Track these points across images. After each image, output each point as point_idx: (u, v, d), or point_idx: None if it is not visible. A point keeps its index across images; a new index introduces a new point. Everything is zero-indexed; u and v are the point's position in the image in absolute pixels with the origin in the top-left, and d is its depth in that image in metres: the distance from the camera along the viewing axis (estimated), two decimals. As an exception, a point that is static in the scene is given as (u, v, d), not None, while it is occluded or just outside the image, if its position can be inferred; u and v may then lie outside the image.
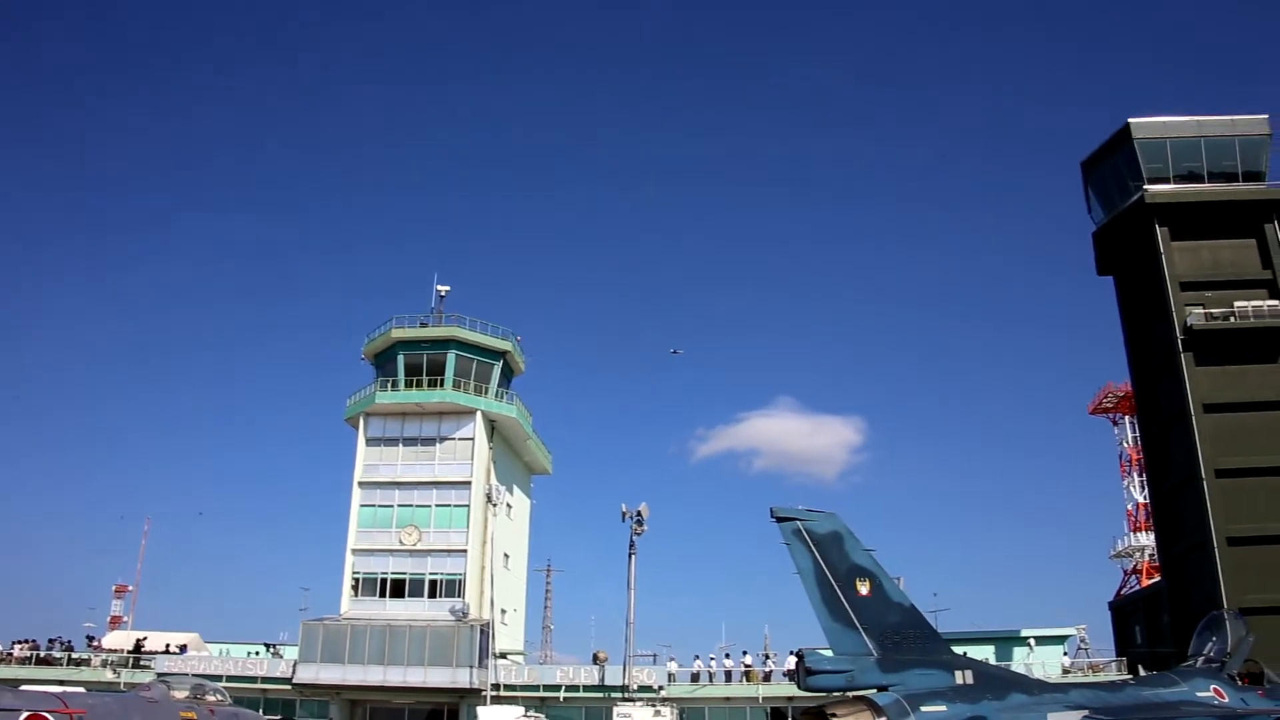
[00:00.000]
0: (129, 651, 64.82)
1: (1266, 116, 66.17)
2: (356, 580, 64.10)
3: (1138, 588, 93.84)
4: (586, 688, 58.15)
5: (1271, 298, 62.37)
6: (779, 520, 19.81)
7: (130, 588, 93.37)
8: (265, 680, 60.45)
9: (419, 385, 67.01)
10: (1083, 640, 67.55)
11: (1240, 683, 24.34)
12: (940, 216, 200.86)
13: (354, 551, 64.68)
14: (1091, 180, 69.97)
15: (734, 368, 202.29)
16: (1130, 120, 65.63)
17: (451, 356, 67.35)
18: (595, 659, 59.45)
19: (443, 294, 71.02)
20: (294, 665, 60.01)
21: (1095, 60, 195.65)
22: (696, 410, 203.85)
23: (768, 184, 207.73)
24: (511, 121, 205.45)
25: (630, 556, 56.98)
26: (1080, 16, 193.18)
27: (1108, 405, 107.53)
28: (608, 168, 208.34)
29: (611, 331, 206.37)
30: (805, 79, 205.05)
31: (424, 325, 69.44)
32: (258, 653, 67.46)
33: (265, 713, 58.37)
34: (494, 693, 56.59)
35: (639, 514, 56.54)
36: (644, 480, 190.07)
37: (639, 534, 56.71)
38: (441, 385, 66.87)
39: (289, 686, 59.66)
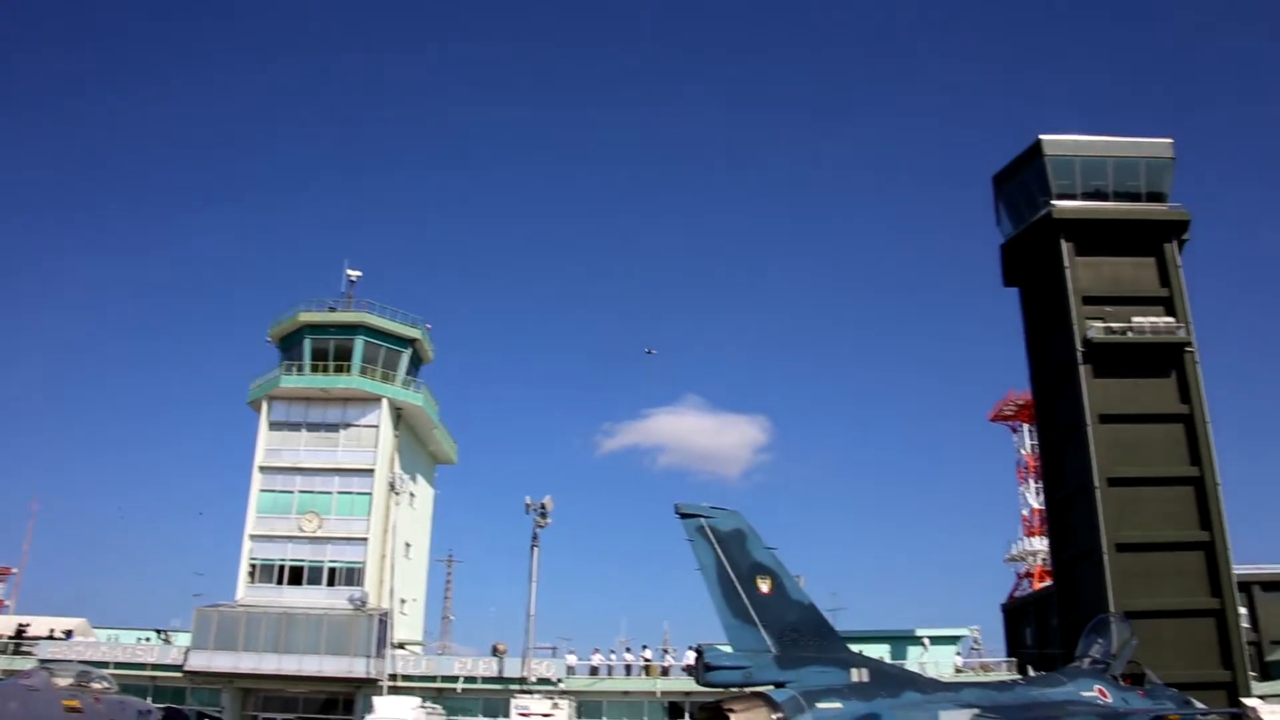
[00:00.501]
0: (10, 637, 62.82)
1: (1171, 140, 68.37)
2: (254, 566, 62.88)
3: (1029, 591, 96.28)
4: (485, 679, 57.90)
5: (1168, 315, 64.35)
6: (683, 517, 19.85)
7: (14, 570, 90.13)
8: (155, 667, 58.93)
9: (325, 370, 65.93)
10: (975, 641, 69.06)
11: (1123, 683, 25.02)
12: (850, 224, 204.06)
13: (252, 537, 63.42)
14: (1002, 194, 71.48)
15: (642, 364, 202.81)
16: (1041, 137, 67.14)
17: (359, 342, 66.43)
18: (494, 651, 59.21)
19: (353, 279, 70.07)
20: (186, 652, 58.41)
21: (1011, 77, 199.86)
22: (604, 405, 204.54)
23: (686, 185, 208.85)
24: (437, 104, 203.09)
25: (533, 549, 56.79)
26: (998, 34, 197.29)
27: (1008, 413, 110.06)
28: (529, 155, 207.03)
29: (522, 324, 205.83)
30: (712, 92, 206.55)
31: (333, 310, 68.36)
32: (148, 639, 65.70)
33: (154, 701, 57.04)
34: (391, 683, 56.00)
35: (543, 506, 56.38)
36: (549, 473, 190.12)
37: (542, 526, 56.55)
38: (348, 371, 65.91)
39: (180, 674, 58.18)
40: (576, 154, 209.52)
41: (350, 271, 70.07)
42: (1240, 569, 64.16)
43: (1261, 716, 45.39)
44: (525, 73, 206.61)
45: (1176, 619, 57.70)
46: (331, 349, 66.32)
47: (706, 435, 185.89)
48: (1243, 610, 66.59)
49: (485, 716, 55.27)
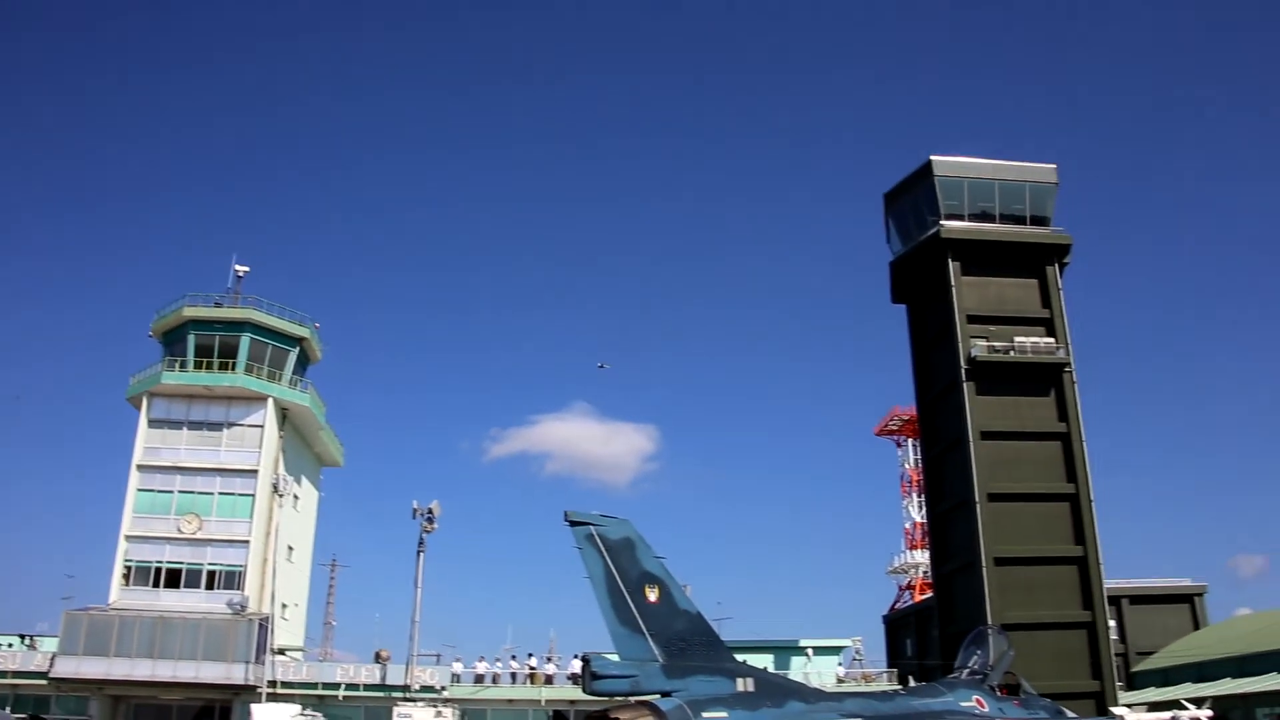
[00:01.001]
0: None
1: (1055, 166, 70.64)
2: (129, 569, 60.82)
3: (910, 603, 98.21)
4: (367, 686, 56.93)
5: (1048, 335, 66.40)
6: (573, 524, 19.78)
7: None
8: (17, 675, 56.60)
9: (209, 367, 64.21)
10: (857, 651, 70.05)
11: (999, 694, 25.61)
12: (741, 238, 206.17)
13: (128, 538, 61.35)
14: (892, 211, 72.93)
15: (531, 369, 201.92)
16: (932, 157, 68.71)
17: (245, 340, 64.88)
18: (377, 657, 58.24)
19: (241, 274, 68.28)
20: (52, 658, 55.97)
21: (904, 98, 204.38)
22: (492, 410, 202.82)
23: (580, 198, 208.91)
24: (330, 97, 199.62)
25: (419, 554, 55.96)
26: (897, 56, 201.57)
27: (893, 427, 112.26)
28: (425, 150, 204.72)
29: (412, 326, 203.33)
30: (606, 99, 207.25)
31: (219, 305, 66.57)
32: (10, 645, 62.94)
33: (15, 710, 54.74)
34: (270, 690, 54.61)
35: (430, 511, 55.58)
36: (436, 478, 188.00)
37: (429, 531, 55.74)
38: (233, 369, 64.31)
39: (45, 681, 55.84)
40: (476, 146, 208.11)
41: (238, 267, 68.37)
42: (1110, 583, 66.43)
43: (1129, 725, 47.09)
44: (431, 56, 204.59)
45: (1051, 631, 59.50)
46: (216, 345, 64.63)
47: (595, 443, 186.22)
48: (1112, 623, 68.96)
49: (368, 725, 54.35)
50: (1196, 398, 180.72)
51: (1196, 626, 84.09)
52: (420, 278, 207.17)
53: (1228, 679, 68.49)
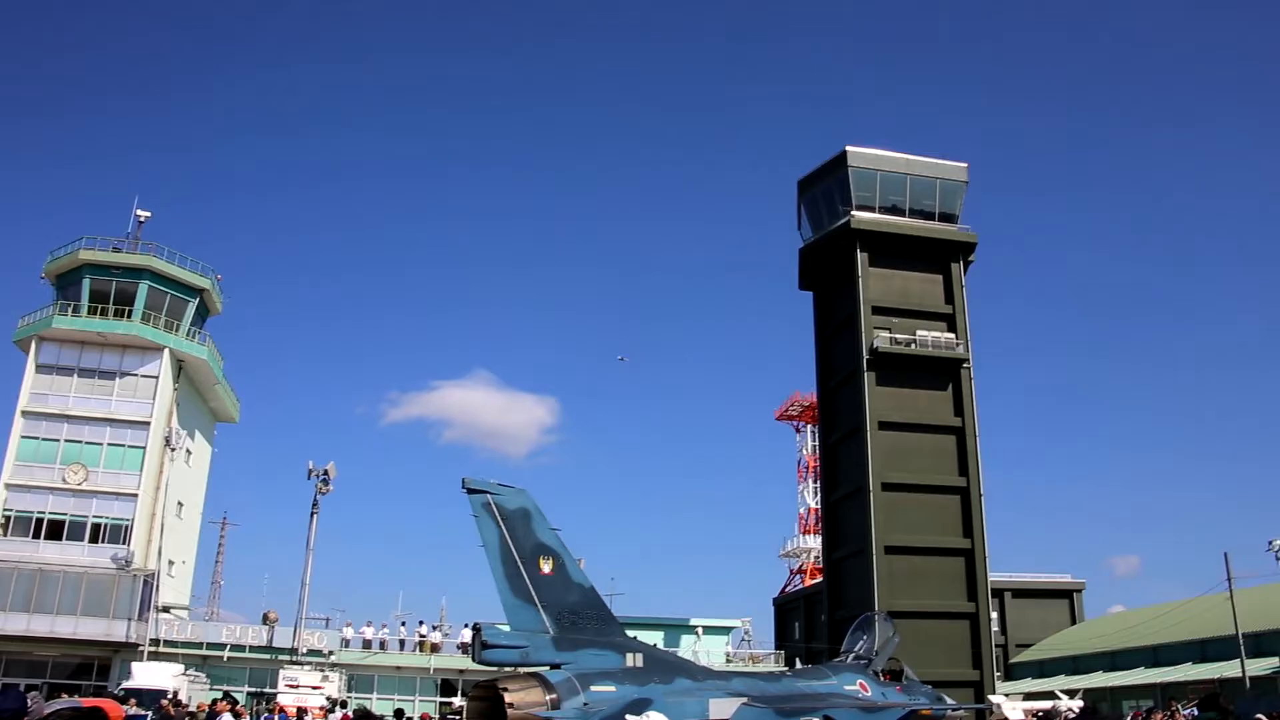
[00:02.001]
0: None
1: (967, 165, 72.02)
2: (8, 518, 58.71)
3: (801, 587, 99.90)
4: (253, 648, 56.10)
5: (949, 331, 67.81)
6: (470, 492, 19.64)
7: None
8: (-122, 629, 54.49)
9: (104, 314, 62.18)
10: (746, 632, 71.02)
11: (883, 679, 26.24)
12: (655, 218, 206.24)
13: (9, 486, 59.18)
14: (805, 199, 73.63)
15: (433, 334, 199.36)
16: (848, 148, 69.52)
17: (144, 287, 63.02)
18: (265, 619, 57.36)
19: (142, 219, 66.02)
20: (-83, 611, 54.00)
21: (826, 88, 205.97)
22: (391, 373, 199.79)
23: (492, 164, 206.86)
24: (246, 46, 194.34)
25: (312, 516, 54.99)
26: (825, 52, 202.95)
27: (793, 413, 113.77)
28: (338, 110, 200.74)
29: (314, 285, 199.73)
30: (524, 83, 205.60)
31: (117, 250, 64.42)
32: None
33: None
34: (153, 648, 53.41)
35: (325, 473, 54.59)
36: (332, 439, 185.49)
37: (324, 493, 54.70)
38: (129, 316, 62.39)
39: (-95, 636, 53.87)
40: (387, 109, 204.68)
41: (139, 211, 66.08)
42: (995, 576, 68.35)
43: (1004, 713, 48.68)
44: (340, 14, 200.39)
45: (935, 620, 61.11)
46: (113, 292, 62.64)
47: (494, 412, 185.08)
48: (994, 615, 71.01)
49: (252, 686, 53.34)
50: (1085, 401, 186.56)
51: (1074, 621, 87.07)
52: (326, 239, 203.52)
53: (1099, 672, 71.12)
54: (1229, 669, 57.39)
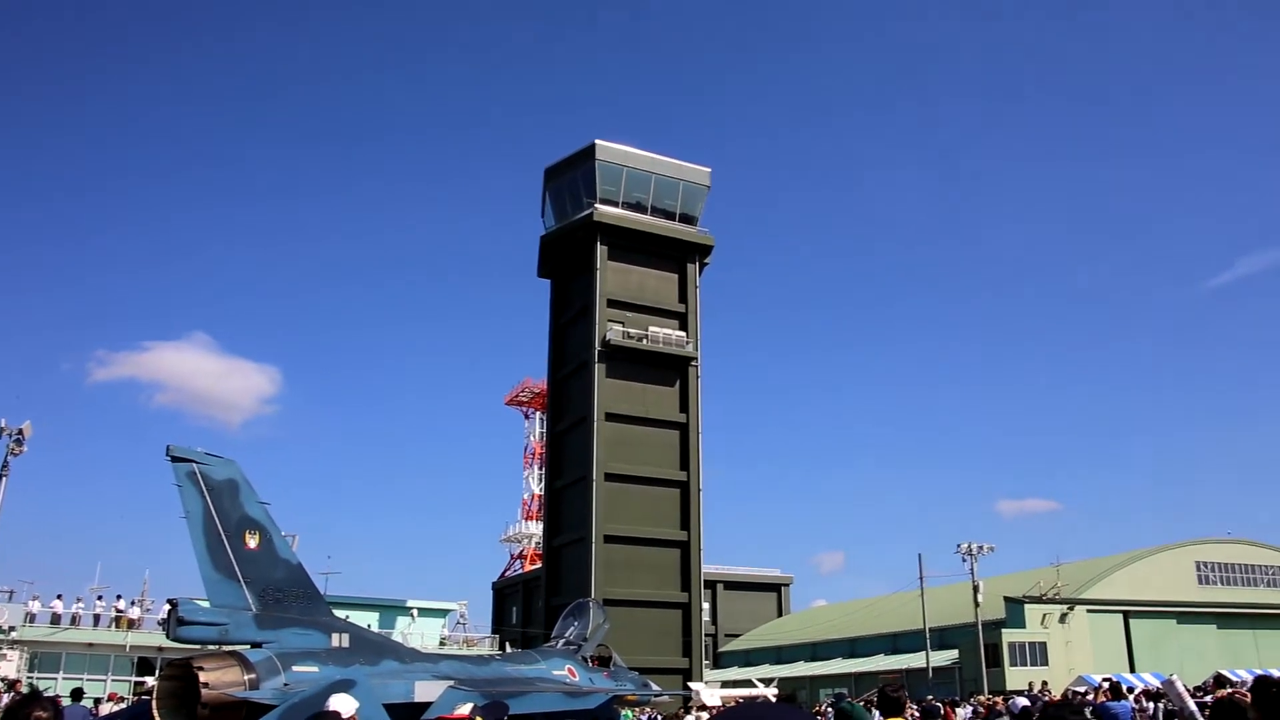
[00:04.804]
0: None
1: (710, 170, 74.23)
2: None
3: (520, 572, 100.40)
4: (-82, 623, 51.23)
5: (681, 329, 69.79)
6: (174, 460, 18.56)
7: None
8: None
9: None
10: (463, 615, 70.71)
11: (591, 664, 26.64)
12: (404, 197, 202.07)
13: None
14: (551, 188, 73.97)
15: (147, 290, 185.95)
16: (596, 141, 70.30)
17: None
18: (-65, 591, 52.52)
19: None
20: None
21: (578, 84, 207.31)
22: (100, 328, 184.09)
23: (257, 140, 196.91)
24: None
25: (2, 478, 50.86)
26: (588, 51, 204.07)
27: (523, 399, 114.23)
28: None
29: (20, 229, 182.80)
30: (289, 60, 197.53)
31: None
32: None
33: None
34: None
35: (20, 432, 50.46)
36: (31, 395, 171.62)
37: (16, 454, 50.57)
38: None
39: None
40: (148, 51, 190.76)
41: None
42: (709, 569, 71.02)
43: (703, 699, 50.53)
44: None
45: (651, 609, 62.94)
46: None
47: (210, 378, 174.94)
48: (706, 605, 73.71)
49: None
50: (802, 405, 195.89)
51: (781, 614, 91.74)
52: (41, 186, 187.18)
53: (801, 662, 75.22)
54: (915, 660, 61.96)
